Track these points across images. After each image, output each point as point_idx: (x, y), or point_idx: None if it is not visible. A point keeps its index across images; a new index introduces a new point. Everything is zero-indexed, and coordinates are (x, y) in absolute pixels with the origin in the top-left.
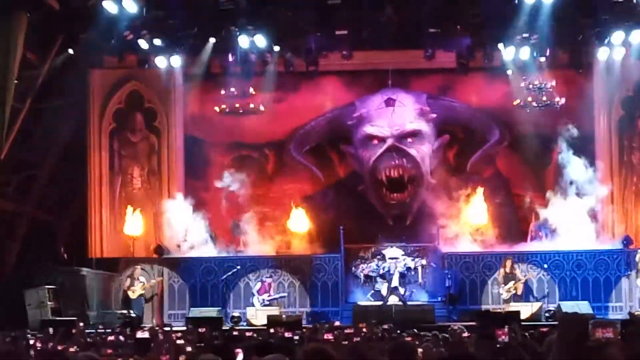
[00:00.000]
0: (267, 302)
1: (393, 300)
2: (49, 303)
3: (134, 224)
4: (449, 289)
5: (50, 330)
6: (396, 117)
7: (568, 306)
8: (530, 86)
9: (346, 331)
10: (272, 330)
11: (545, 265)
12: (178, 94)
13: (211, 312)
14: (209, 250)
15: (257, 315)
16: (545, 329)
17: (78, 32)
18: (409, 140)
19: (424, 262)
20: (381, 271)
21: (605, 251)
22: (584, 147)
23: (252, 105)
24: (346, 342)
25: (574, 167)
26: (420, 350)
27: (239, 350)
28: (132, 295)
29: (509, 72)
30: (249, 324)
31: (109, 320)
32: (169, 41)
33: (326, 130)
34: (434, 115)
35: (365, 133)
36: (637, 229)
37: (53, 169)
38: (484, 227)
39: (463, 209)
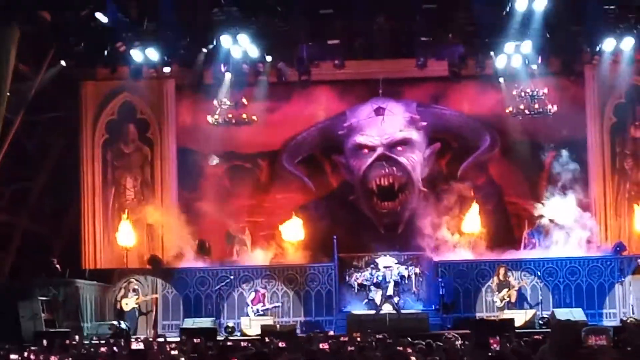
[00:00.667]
0: (261, 312)
1: (387, 309)
2: (42, 315)
3: (128, 235)
4: (442, 297)
5: (44, 342)
6: (386, 125)
7: (562, 313)
8: (523, 94)
9: (340, 340)
10: (267, 340)
11: (539, 273)
12: (170, 105)
13: (205, 322)
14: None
15: (251, 325)
16: (539, 337)
17: (70, 44)
18: (399, 148)
19: (417, 270)
20: (375, 280)
21: (598, 258)
22: (576, 154)
23: (244, 116)
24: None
25: (567, 174)
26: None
27: None
28: (126, 307)
29: (501, 80)
30: (243, 334)
31: (103, 332)
32: (161, 52)
33: (318, 140)
34: (424, 124)
35: (355, 142)
36: (630, 235)
37: (46, 180)
38: (477, 234)
39: (456, 216)
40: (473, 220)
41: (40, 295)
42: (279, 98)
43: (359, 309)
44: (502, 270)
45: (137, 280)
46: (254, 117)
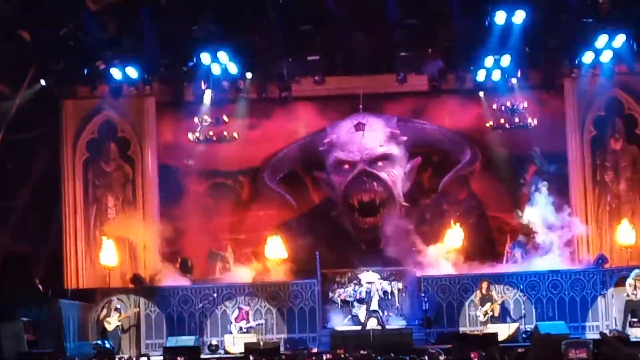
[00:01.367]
0: (245, 330)
1: (372, 324)
2: (25, 335)
3: (110, 254)
4: (425, 312)
5: None
6: (366, 141)
7: (545, 327)
8: (503, 107)
9: (325, 357)
10: (251, 358)
11: (521, 286)
12: (151, 122)
13: (188, 341)
14: (184, 280)
15: (235, 342)
16: (522, 350)
17: (50, 63)
18: (380, 164)
19: (400, 285)
20: (358, 296)
21: (580, 271)
22: (557, 167)
23: (225, 133)
24: None
25: (547, 187)
26: None
27: None
28: (109, 326)
29: (481, 94)
30: (227, 352)
31: (87, 352)
32: (141, 70)
33: (299, 156)
34: (405, 138)
35: (336, 158)
36: (612, 248)
37: (27, 200)
38: (459, 249)
39: (438, 231)
40: (455, 234)
41: (23, 315)
42: (260, 115)
43: (342, 325)
44: (484, 285)
45: (119, 299)
46: (235, 134)
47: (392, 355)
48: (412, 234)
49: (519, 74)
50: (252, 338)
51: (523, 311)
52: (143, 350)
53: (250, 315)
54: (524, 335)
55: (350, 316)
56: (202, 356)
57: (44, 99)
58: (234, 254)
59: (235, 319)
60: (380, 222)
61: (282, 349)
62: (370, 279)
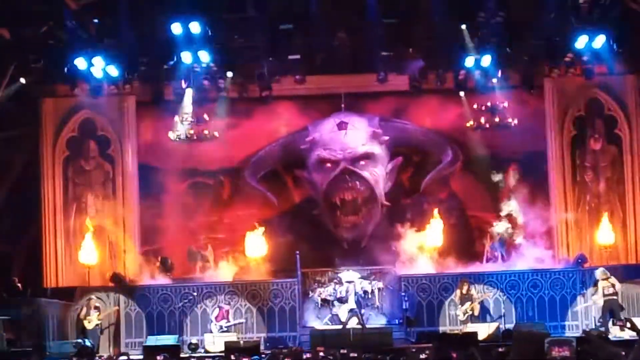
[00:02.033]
0: (225, 329)
1: (352, 323)
2: (4, 334)
3: (89, 252)
4: (406, 311)
5: None
6: (348, 140)
7: (525, 327)
8: (483, 107)
9: (304, 356)
10: (232, 358)
11: (501, 286)
12: (131, 121)
13: (169, 339)
14: (164, 278)
15: (215, 341)
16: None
17: (29, 61)
18: (362, 162)
19: (380, 284)
20: (338, 295)
21: (560, 270)
22: (536, 167)
23: (206, 132)
24: None
25: (527, 187)
26: None
27: None
28: (88, 325)
29: (462, 93)
30: (207, 351)
31: (67, 350)
32: (121, 69)
33: (280, 155)
34: (387, 138)
35: (318, 157)
36: (592, 248)
37: (6, 198)
38: (439, 248)
39: (418, 231)
40: (435, 234)
41: (2, 314)
42: (240, 114)
43: (322, 324)
44: (464, 284)
45: (98, 297)
46: (216, 133)
47: (372, 354)
48: (393, 234)
49: (499, 74)
50: (232, 337)
51: (503, 310)
52: (123, 349)
53: (231, 314)
54: (503, 335)
55: (330, 315)
56: (182, 355)
57: (23, 98)
58: (214, 253)
59: (216, 317)
60: (362, 221)
61: (262, 347)
62: (351, 278)
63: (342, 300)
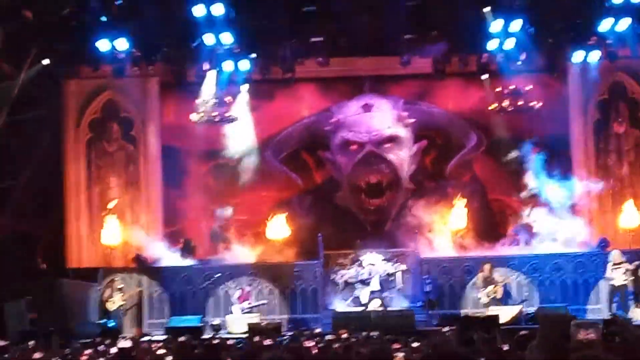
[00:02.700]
0: (247, 310)
1: (374, 305)
2: (28, 314)
3: (112, 233)
4: (428, 294)
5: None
6: (374, 122)
7: (548, 311)
8: (506, 91)
9: (326, 338)
10: (256, 339)
11: (524, 269)
12: (154, 103)
13: (191, 320)
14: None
15: (238, 323)
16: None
17: (52, 43)
18: (387, 145)
19: (403, 267)
20: (360, 277)
21: (583, 254)
22: (560, 151)
23: (228, 114)
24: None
25: (550, 171)
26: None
27: None
28: (111, 306)
29: (485, 76)
30: (229, 332)
31: (89, 331)
32: (144, 50)
33: (304, 136)
34: (412, 121)
35: (343, 139)
36: (615, 231)
37: (30, 179)
38: (462, 231)
39: (442, 214)
40: (459, 217)
41: (26, 294)
42: (263, 96)
43: (344, 306)
44: (487, 267)
45: (121, 279)
46: (238, 115)
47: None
48: (416, 217)
49: (523, 57)
50: (254, 318)
51: (525, 294)
52: (145, 330)
53: (253, 295)
54: (526, 318)
55: (352, 297)
56: (205, 336)
57: (46, 79)
58: (236, 235)
59: (238, 299)
60: (386, 203)
61: (284, 329)
62: (373, 261)
63: (365, 283)
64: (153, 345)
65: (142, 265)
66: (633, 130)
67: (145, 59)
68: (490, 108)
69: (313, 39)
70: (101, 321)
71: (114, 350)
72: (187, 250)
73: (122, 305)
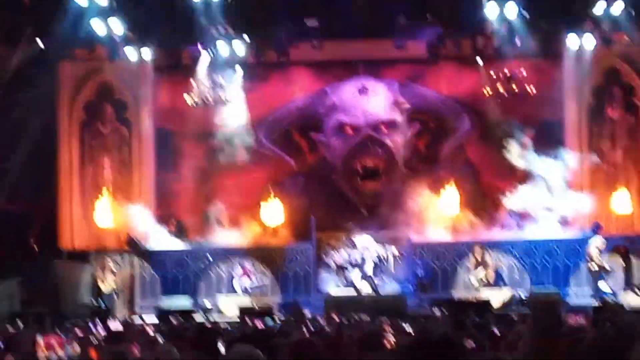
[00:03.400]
0: (250, 290)
1: (365, 288)
2: (19, 295)
3: (105, 215)
4: (420, 277)
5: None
6: (371, 106)
7: (540, 295)
8: (500, 75)
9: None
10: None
11: (516, 253)
12: (148, 85)
13: (182, 301)
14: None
15: (229, 305)
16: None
17: (47, 24)
18: (384, 129)
19: (395, 250)
20: (353, 260)
21: (575, 239)
22: (553, 136)
23: (222, 96)
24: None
25: (544, 155)
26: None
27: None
28: (104, 287)
29: (479, 60)
30: (221, 313)
31: (81, 312)
32: (139, 33)
33: (297, 117)
34: (409, 106)
35: (338, 121)
36: (607, 216)
37: (24, 161)
38: (455, 216)
39: (435, 198)
40: (451, 201)
41: (17, 275)
42: (257, 79)
43: (336, 289)
44: (479, 251)
45: (114, 260)
46: (232, 98)
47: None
48: (410, 201)
49: (517, 42)
50: (246, 301)
51: (517, 278)
52: (137, 311)
53: (253, 273)
54: (518, 302)
55: (344, 280)
56: (196, 318)
57: (41, 61)
58: (229, 217)
59: (240, 275)
60: (381, 187)
61: (275, 311)
62: (366, 244)
63: (357, 266)
64: (144, 327)
65: (135, 247)
66: (627, 116)
67: (140, 41)
68: (484, 92)
69: (307, 22)
70: (93, 302)
71: (104, 331)
72: (180, 232)
73: (114, 286)
